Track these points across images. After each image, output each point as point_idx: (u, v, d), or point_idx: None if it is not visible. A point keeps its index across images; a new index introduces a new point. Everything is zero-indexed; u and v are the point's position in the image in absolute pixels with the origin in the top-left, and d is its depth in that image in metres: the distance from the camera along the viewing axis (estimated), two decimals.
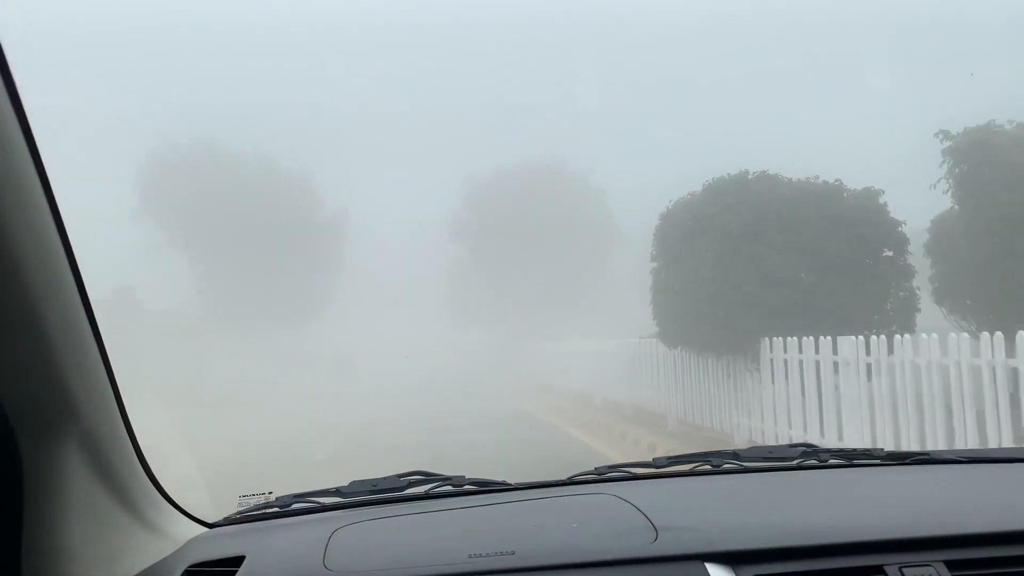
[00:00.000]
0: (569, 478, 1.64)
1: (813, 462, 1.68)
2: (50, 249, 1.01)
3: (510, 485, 1.61)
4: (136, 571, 1.28)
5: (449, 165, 29.87)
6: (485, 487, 1.60)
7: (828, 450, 1.72)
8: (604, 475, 1.64)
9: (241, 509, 1.58)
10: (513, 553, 1.25)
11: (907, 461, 1.71)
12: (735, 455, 1.69)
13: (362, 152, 30.52)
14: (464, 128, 31.62)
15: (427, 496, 1.57)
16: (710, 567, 1.19)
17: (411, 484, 1.59)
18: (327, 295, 27.60)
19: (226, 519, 1.54)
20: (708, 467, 1.67)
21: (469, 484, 1.61)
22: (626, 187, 25.98)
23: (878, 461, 1.70)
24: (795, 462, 1.68)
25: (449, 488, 1.59)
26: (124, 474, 1.28)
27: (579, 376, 15.71)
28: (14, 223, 0.93)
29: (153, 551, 1.34)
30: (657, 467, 1.66)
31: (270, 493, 1.62)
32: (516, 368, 22.21)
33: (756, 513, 1.42)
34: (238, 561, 1.29)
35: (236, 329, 23.19)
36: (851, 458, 1.70)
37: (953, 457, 1.72)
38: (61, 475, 1.12)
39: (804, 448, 1.71)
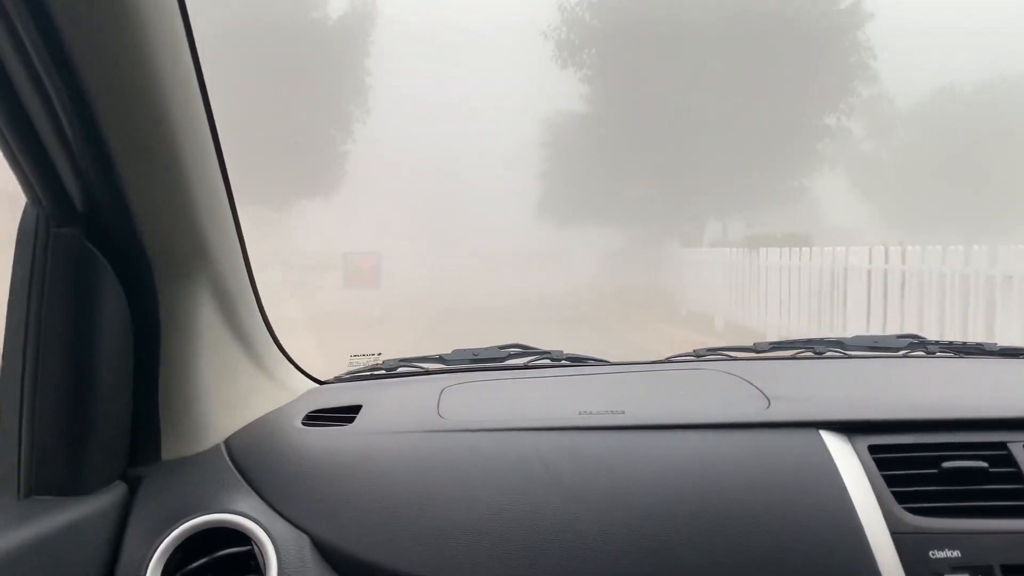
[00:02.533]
0: (667, 358, 1.65)
1: (920, 353, 1.65)
2: (193, 106, 1.05)
3: (608, 361, 1.64)
4: (260, 414, 1.35)
5: None
6: (582, 362, 1.63)
7: (937, 342, 1.68)
8: (703, 356, 1.64)
9: (351, 368, 1.65)
10: (623, 412, 1.26)
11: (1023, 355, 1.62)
12: (839, 343, 1.66)
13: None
14: None
15: (526, 367, 1.61)
16: (825, 435, 1.19)
17: (511, 356, 1.63)
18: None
19: (336, 378, 1.61)
20: (811, 353, 1.65)
21: (567, 359, 1.63)
22: None
23: (990, 355, 1.65)
24: (902, 352, 1.65)
25: (547, 361, 1.63)
26: (248, 324, 1.33)
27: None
28: (168, 91, 0.98)
29: (274, 398, 1.41)
30: (758, 351, 1.66)
31: (379, 354, 1.69)
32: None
33: (868, 389, 1.40)
34: (355, 409, 1.36)
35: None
36: (961, 351, 1.66)
37: None
38: (194, 317, 1.18)
39: (911, 339, 1.68)
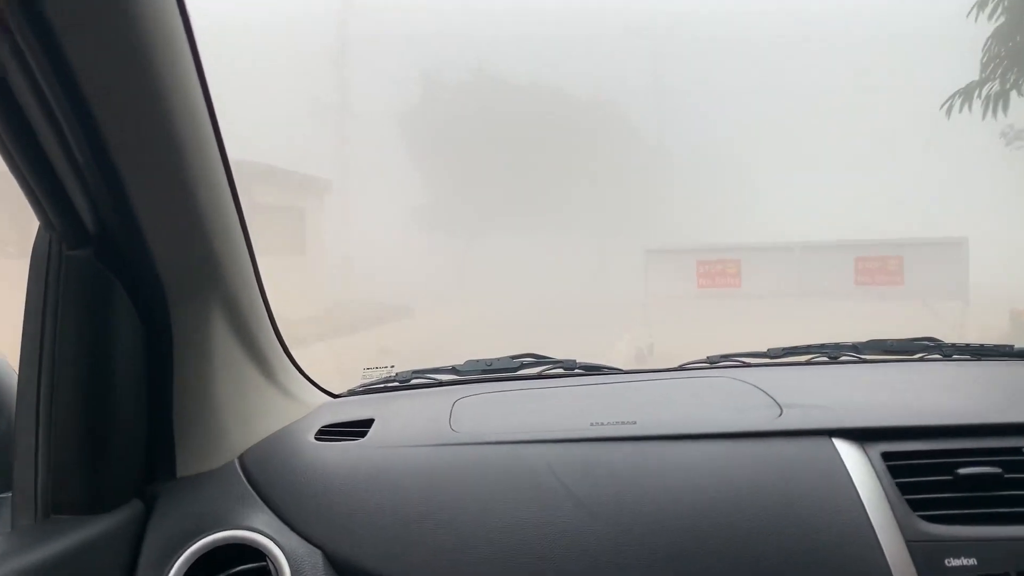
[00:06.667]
0: (680, 365, 1.64)
1: (937, 356, 1.63)
2: (201, 127, 1.05)
3: (621, 370, 1.63)
4: (273, 430, 1.35)
5: None
6: (595, 370, 1.62)
7: (953, 344, 1.66)
8: (716, 363, 1.63)
9: (364, 381, 1.66)
10: (635, 423, 1.26)
11: None
12: (854, 347, 1.65)
13: None
14: None
15: (539, 376, 1.60)
16: (838, 443, 1.18)
17: (524, 365, 1.62)
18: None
19: (350, 391, 1.61)
20: (825, 358, 1.63)
21: (580, 367, 1.63)
22: None
23: (1009, 357, 1.62)
24: (917, 356, 1.63)
25: (560, 370, 1.62)
26: (261, 342, 1.34)
27: None
28: (178, 117, 0.99)
29: (287, 414, 1.41)
30: (771, 356, 1.64)
31: (392, 367, 1.69)
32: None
33: (881, 395, 1.38)
34: (368, 423, 1.36)
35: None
36: (979, 353, 1.63)
37: None
38: (206, 335, 1.18)
39: (927, 342, 1.66)
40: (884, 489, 1.11)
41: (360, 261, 20.80)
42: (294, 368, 1.49)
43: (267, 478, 1.21)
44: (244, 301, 1.26)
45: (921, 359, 1.62)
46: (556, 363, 1.62)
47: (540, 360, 1.64)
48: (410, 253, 22.49)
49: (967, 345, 1.64)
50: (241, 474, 1.22)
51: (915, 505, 1.10)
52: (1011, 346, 1.64)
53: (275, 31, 22.40)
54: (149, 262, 1.06)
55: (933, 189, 23.11)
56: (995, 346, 1.64)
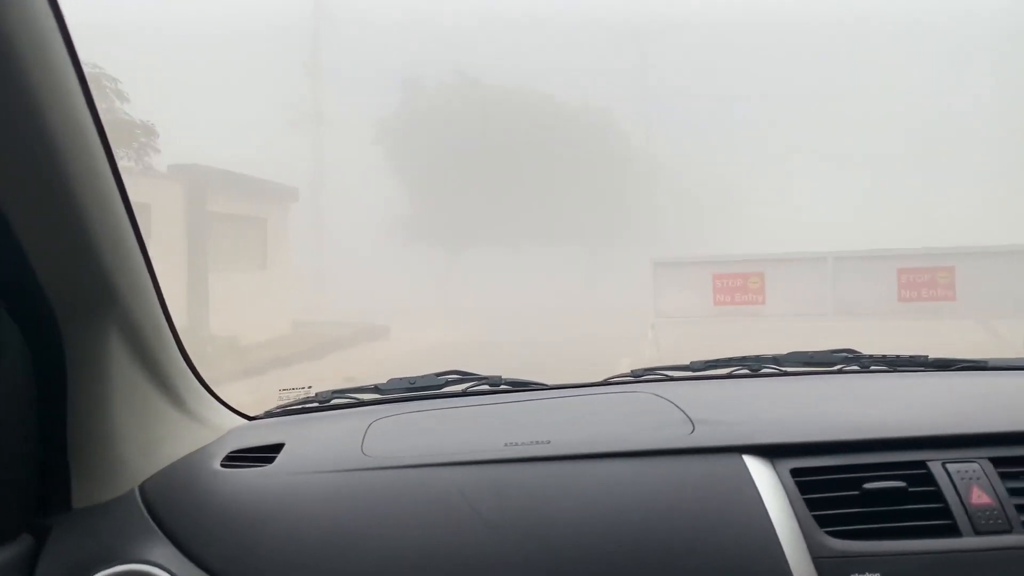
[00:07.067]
0: (605, 380, 1.71)
1: (855, 367, 1.72)
2: (88, 142, 1.06)
3: (545, 385, 1.69)
4: (177, 456, 1.37)
5: None
6: (520, 386, 1.68)
7: (871, 356, 1.74)
8: (640, 376, 1.71)
9: (281, 403, 1.67)
10: (549, 442, 1.31)
11: (954, 367, 1.71)
12: (774, 359, 1.73)
13: None
14: None
15: (463, 394, 1.65)
16: (748, 459, 1.24)
17: (448, 383, 1.67)
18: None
19: (267, 412, 1.64)
20: (746, 371, 1.72)
21: (505, 384, 1.69)
22: None
23: (923, 368, 1.72)
24: (836, 367, 1.72)
25: (486, 387, 1.68)
26: (164, 362, 1.36)
27: None
28: (54, 125, 0.99)
29: (194, 439, 1.43)
30: (694, 370, 1.71)
31: (310, 387, 1.70)
32: None
33: (795, 410, 1.46)
34: (278, 448, 1.38)
35: None
36: (895, 364, 1.72)
37: (1001, 364, 1.71)
38: (103, 361, 1.20)
39: (846, 353, 1.75)
40: (792, 505, 1.18)
41: (332, 277, 19.74)
42: (204, 390, 1.51)
43: (169, 508, 1.23)
44: (144, 320, 1.28)
45: (839, 371, 1.72)
46: (482, 379, 1.69)
47: (465, 376, 1.70)
48: (388, 268, 22.17)
49: (884, 357, 1.75)
50: (141, 504, 1.24)
51: (823, 521, 1.17)
52: (926, 356, 1.74)
53: (242, 33, 21.94)
54: (33, 282, 1.08)
55: (988, 190, 20.88)
56: (911, 357, 1.74)
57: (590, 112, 25.05)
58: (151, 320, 1.28)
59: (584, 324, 14.20)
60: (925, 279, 10.17)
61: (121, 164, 1.13)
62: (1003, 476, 1.19)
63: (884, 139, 24.71)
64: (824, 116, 25.24)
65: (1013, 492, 1.18)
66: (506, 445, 1.29)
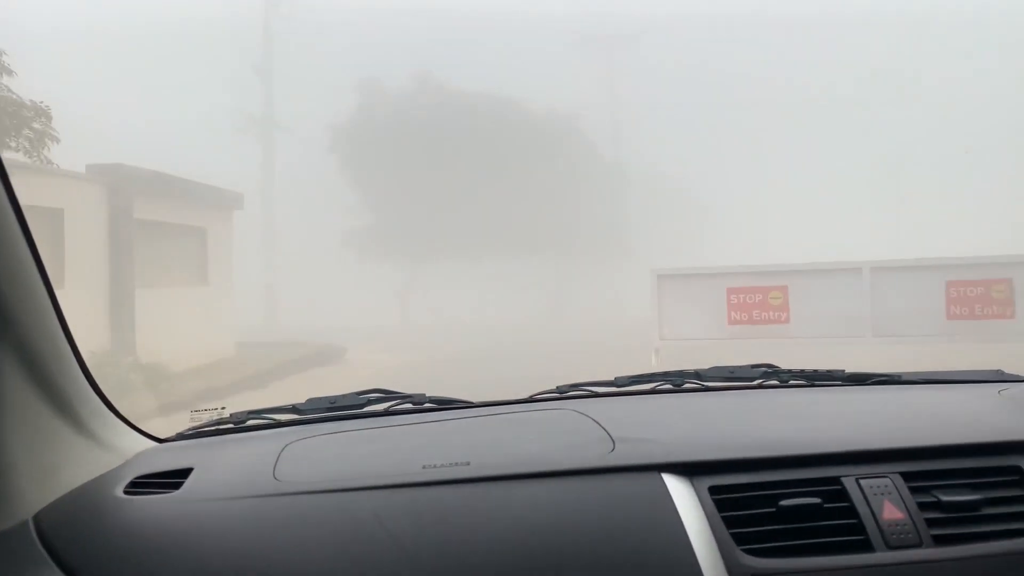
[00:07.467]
0: (530, 396, 1.79)
1: (774, 382, 1.82)
2: None
3: (471, 403, 1.75)
4: (78, 483, 1.40)
5: None
6: (445, 405, 1.74)
7: (790, 371, 1.85)
8: (565, 393, 1.78)
9: (193, 425, 1.71)
10: (468, 463, 1.37)
11: (868, 382, 1.82)
12: (696, 375, 1.83)
13: None
14: None
15: (385, 413, 1.70)
16: (667, 478, 1.31)
17: (370, 402, 1.71)
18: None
19: (178, 435, 1.67)
20: (669, 386, 1.80)
21: (429, 402, 1.74)
22: None
23: (839, 382, 1.82)
24: (756, 382, 1.82)
25: (408, 406, 1.72)
26: (65, 386, 1.38)
27: None
28: None
29: (97, 464, 1.45)
30: (619, 386, 1.79)
31: (223, 408, 1.71)
32: None
33: (714, 427, 1.55)
34: (186, 473, 1.42)
35: None
36: (812, 379, 1.83)
37: (914, 378, 1.83)
38: None
39: (766, 368, 1.85)
40: (710, 524, 1.24)
41: (283, 293, 18.25)
42: (109, 411, 1.52)
43: (65, 539, 1.24)
44: (45, 347, 1.31)
45: (759, 386, 1.81)
46: (405, 398, 1.74)
47: (388, 395, 1.73)
48: (345, 282, 20.50)
49: (802, 371, 1.85)
50: (35, 535, 1.25)
51: (740, 539, 1.23)
52: (843, 371, 1.85)
53: (186, 27, 20.99)
54: None
55: None
56: (828, 371, 1.84)
57: (558, 118, 24.10)
58: (52, 344, 1.31)
59: (574, 342, 13.32)
60: (978, 292, 8.90)
61: (7, 156, 1.28)
62: (913, 491, 1.28)
63: (920, 136, 23.49)
64: (854, 107, 23.87)
65: (923, 506, 1.27)
66: (424, 467, 1.34)
